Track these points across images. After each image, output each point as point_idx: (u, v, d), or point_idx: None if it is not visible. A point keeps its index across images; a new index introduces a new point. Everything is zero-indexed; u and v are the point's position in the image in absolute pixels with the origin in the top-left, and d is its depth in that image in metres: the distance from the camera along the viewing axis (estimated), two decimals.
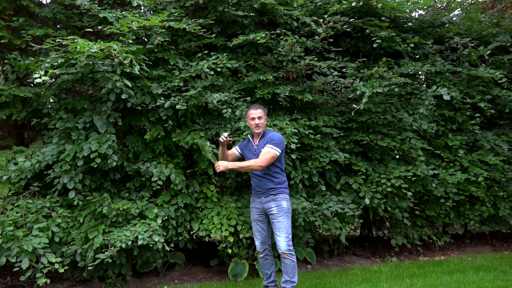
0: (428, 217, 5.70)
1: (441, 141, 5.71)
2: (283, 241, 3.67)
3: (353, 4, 5.14)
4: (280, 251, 3.69)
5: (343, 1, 5.42)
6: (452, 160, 5.63)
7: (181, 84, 4.46)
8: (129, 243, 3.93)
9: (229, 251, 4.45)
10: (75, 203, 4.25)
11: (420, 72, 5.66)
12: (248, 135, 4.02)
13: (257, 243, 3.95)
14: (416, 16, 6.40)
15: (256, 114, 3.78)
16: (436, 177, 5.47)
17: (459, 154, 5.56)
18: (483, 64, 5.82)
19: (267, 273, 4.00)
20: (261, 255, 3.95)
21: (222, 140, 3.75)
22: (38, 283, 3.78)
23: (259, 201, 3.85)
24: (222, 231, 4.36)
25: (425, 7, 6.26)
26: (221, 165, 3.62)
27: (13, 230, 3.84)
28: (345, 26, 5.18)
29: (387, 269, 5.00)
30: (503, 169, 5.73)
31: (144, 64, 4.27)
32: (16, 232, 3.84)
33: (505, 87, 5.99)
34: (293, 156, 4.65)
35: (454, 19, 6.43)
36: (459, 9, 7.26)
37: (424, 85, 5.92)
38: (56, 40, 3.78)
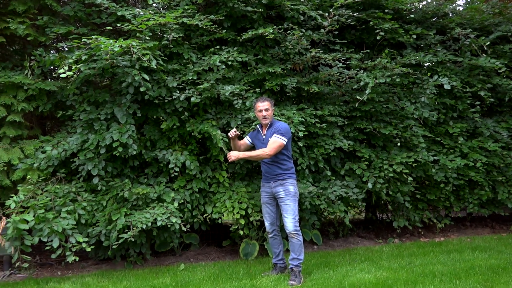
0: (429, 200, 5.99)
1: (442, 129, 5.97)
2: (290, 222, 4.00)
3: None
4: (287, 231, 4.02)
5: None
6: (453, 146, 5.89)
7: (195, 77, 4.77)
8: (149, 224, 4.30)
9: (241, 232, 4.79)
10: (98, 188, 4.61)
11: (422, 62, 5.88)
12: (257, 125, 4.32)
13: (266, 224, 4.28)
14: (420, 7, 6.58)
15: (263, 106, 4.08)
16: (436, 162, 5.74)
17: (459, 141, 5.82)
18: (484, 54, 6.02)
19: (275, 252, 4.34)
20: (270, 235, 4.29)
21: (232, 136, 4.13)
22: (68, 260, 4.17)
23: (268, 185, 4.17)
24: (234, 214, 4.71)
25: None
26: (233, 155, 3.96)
27: (44, 213, 4.21)
28: (349, 20, 5.41)
29: (389, 249, 5.32)
30: (502, 154, 5.98)
31: (160, 59, 4.58)
32: (47, 215, 4.21)
33: (505, 76, 6.18)
34: (300, 144, 4.95)
35: (457, 9, 6.61)
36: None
37: (429, 74, 6.13)
38: (82, 40, 4.10)
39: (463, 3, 6.96)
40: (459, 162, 5.60)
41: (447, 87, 5.40)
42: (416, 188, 5.85)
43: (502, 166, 5.98)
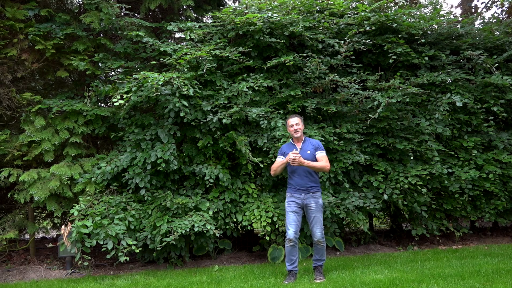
0: (446, 210, 6.36)
1: (457, 142, 6.36)
2: (319, 231, 4.52)
3: (367, 28, 5.94)
4: (315, 239, 4.52)
5: (364, 22, 6.24)
6: (468, 159, 6.26)
7: (226, 102, 5.48)
8: (187, 229, 4.99)
9: (267, 238, 5.40)
10: (145, 198, 5.38)
11: (436, 82, 6.32)
12: (290, 140, 4.78)
13: (291, 231, 4.54)
14: (436, 27, 7.02)
15: (294, 121, 4.60)
16: (452, 174, 6.13)
17: (473, 154, 6.18)
18: (496, 72, 6.40)
19: (292, 259, 4.62)
20: (291, 243, 4.54)
21: (292, 157, 4.39)
22: (120, 260, 4.92)
23: (299, 197, 4.57)
24: (261, 222, 5.31)
25: (443, 23, 6.88)
26: (298, 158, 4.30)
27: (100, 220, 5.00)
28: (363, 46, 5.98)
29: (406, 255, 5.74)
30: None
31: (196, 87, 5.32)
32: (103, 221, 5.00)
33: None
34: None
35: (471, 30, 7.01)
36: (478, 21, 7.76)
37: (448, 91, 6.54)
38: (133, 77, 4.93)
39: (479, 23, 7.33)
40: (473, 173, 5.97)
41: (459, 104, 5.83)
42: (433, 198, 6.24)
43: None
